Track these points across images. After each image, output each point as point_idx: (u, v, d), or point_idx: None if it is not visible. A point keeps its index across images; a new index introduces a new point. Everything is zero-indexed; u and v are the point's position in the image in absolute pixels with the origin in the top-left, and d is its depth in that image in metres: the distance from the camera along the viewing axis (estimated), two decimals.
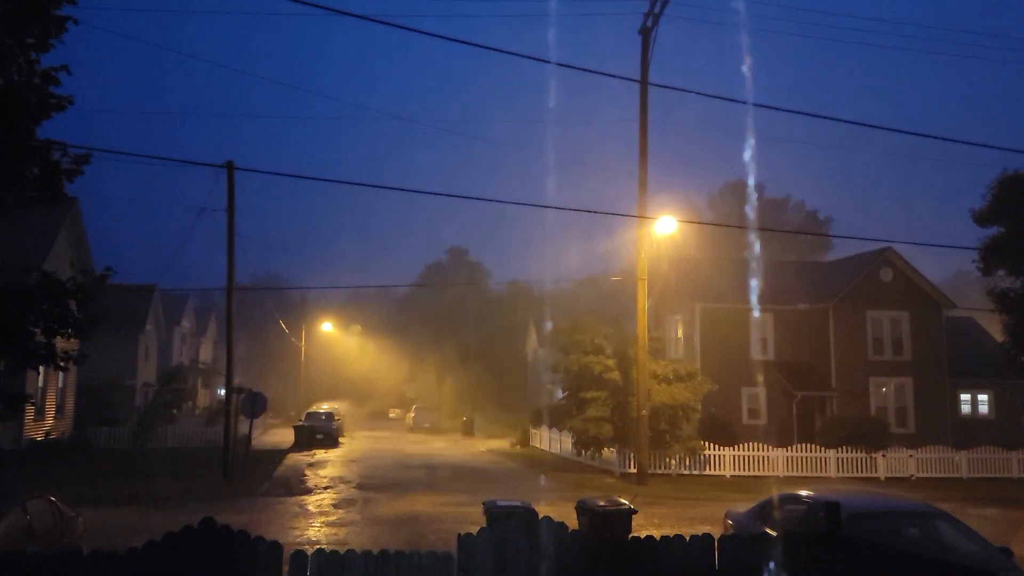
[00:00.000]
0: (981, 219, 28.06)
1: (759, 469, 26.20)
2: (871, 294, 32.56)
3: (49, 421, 27.90)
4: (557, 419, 31.26)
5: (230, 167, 23.12)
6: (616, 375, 25.92)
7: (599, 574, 5.99)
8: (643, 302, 24.18)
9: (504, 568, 5.85)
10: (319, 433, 37.50)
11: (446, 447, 38.57)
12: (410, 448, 37.17)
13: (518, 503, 11.37)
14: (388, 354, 75.66)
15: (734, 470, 26.20)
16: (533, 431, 38.22)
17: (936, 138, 39.64)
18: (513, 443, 39.66)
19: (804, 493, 10.24)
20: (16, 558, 5.76)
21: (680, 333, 34.92)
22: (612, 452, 26.25)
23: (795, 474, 25.79)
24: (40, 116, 12.08)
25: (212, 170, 22.86)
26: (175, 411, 36.28)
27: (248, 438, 24.62)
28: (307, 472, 25.93)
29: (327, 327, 70.78)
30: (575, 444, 27.67)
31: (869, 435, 27.31)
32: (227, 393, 24.27)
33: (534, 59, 25.56)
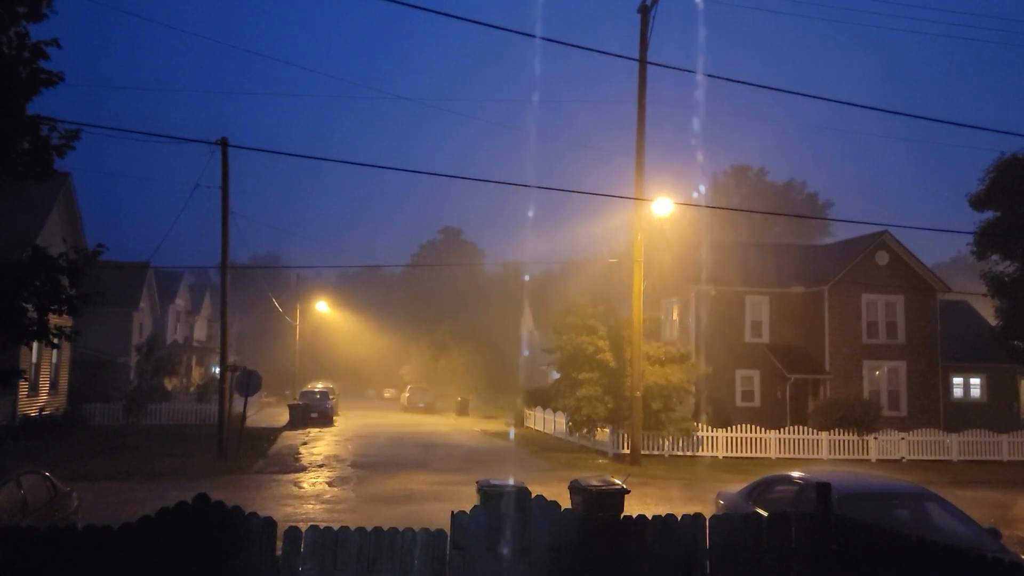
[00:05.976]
0: (977, 203, 28.12)
1: (752, 451, 26.41)
2: (866, 277, 32.57)
3: (43, 397, 27.90)
4: (551, 400, 31.39)
5: (224, 144, 23.02)
6: (608, 356, 26.00)
7: (591, 552, 6.02)
8: (639, 284, 24.16)
9: (497, 545, 5.88)
10: (314, 412, 37.61)
11: (440, 427, 38.70)
12: (404, 428, 37.28)
13: (511, 482, 11.41)
14: (383, 334, 75.68)
15: (727, 451, 26.37)
16: (527, 412, 38.40)
17: (936, 120, 39.64)
18: (508, 424, 39.85)
19: (795, 474, 10.30)
20: (10, 532, 5.76)
21: (675, 315, 34.99)
22: (606, 433, 26.39)
23: (787, 456, 25.95)
24: (31, 92, 11.94)
25: (207, 147, 22.81)
26: (164, 382, 35.73)
27: (243, 416, 24.66)
28: (301, 450, 26.01)
29: (322, 306, 70.74)
30: (569, 424, 27.81)
31: (861, 418, 27.47)
32: (222, 371, 24.25)
33: (532, 36, 25.40)
